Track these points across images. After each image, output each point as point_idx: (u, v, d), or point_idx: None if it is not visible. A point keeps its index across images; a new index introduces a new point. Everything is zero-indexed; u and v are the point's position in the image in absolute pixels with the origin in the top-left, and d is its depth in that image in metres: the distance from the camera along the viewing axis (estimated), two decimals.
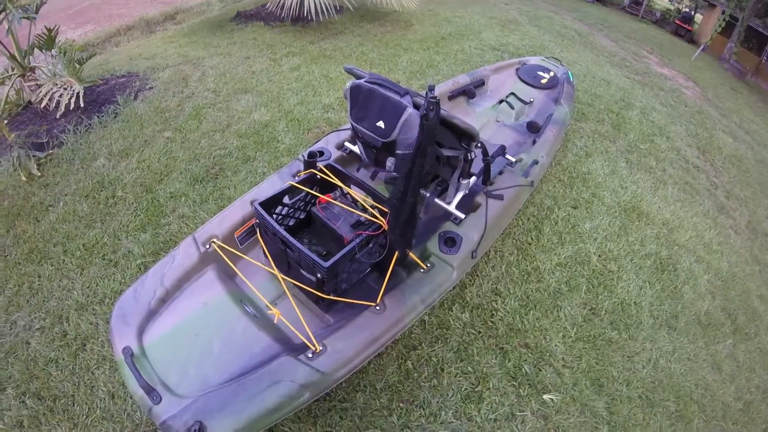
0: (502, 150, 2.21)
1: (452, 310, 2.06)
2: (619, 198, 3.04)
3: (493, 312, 2.11)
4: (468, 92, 2.99)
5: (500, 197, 1.97)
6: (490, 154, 2.02)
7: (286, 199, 1.70)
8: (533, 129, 2.74)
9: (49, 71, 2.78)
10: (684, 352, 2.25)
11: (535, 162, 2.31)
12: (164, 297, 1.48)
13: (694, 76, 6.59)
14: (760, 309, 2.71)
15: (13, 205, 2.46)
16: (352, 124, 1.66)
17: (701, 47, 7.86)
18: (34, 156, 2.64)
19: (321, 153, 2.11)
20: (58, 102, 2.60)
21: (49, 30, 2.82)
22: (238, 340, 1.37)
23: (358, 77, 1.62)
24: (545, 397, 1.86)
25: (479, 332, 2.01)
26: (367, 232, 1.51)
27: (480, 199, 1.96)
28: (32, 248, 2.23)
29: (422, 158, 1.34)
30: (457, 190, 1.89)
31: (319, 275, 1.38)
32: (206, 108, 3.30)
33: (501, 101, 2.99)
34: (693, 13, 13.63)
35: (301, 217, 1.82)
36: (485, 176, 2.00)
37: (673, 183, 3.44)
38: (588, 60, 5.51)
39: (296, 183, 1.70)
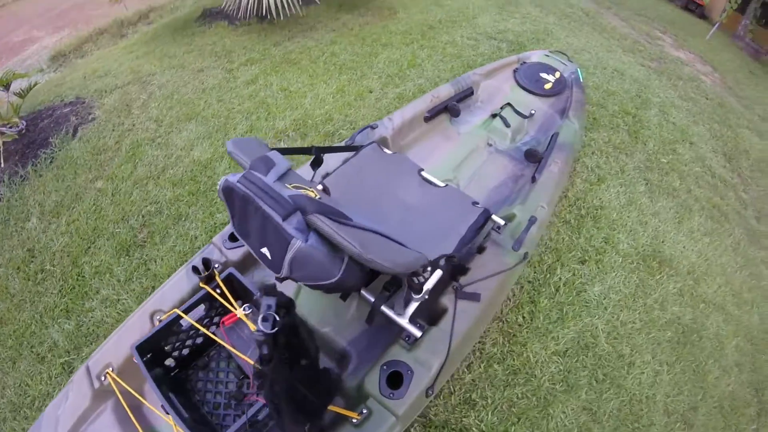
0: (484, 218, 1.59)
1: None
2: (637, 241, 2.48)
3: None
4: (451, 109, 2.29)
5: (476, 297, 1.42)
6: (469, 228, 1.52)
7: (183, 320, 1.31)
8: (533, 158, 2.09)
9: None
10: None
11: (532, 221, 1.67)
12: None
13: (710, 58, 5.69)
14: None
15: None
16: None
17: (715, 25, 6.87)
18: None
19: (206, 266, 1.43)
20: None
21: None
22: None
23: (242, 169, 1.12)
24: None
25: None
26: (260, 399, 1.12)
27: (447, 300, 1.42)
28: None
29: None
30: (408, 302, 1.38)
31: None
32: (144, 145, 2.86)
33: (494, 115, 2.34)
34: None
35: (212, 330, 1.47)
36: (455, 271, 1.47)
37: (700, 209, 2.86)
38: (598, 46, 4.74)
39: (182, 311, 1.29)
